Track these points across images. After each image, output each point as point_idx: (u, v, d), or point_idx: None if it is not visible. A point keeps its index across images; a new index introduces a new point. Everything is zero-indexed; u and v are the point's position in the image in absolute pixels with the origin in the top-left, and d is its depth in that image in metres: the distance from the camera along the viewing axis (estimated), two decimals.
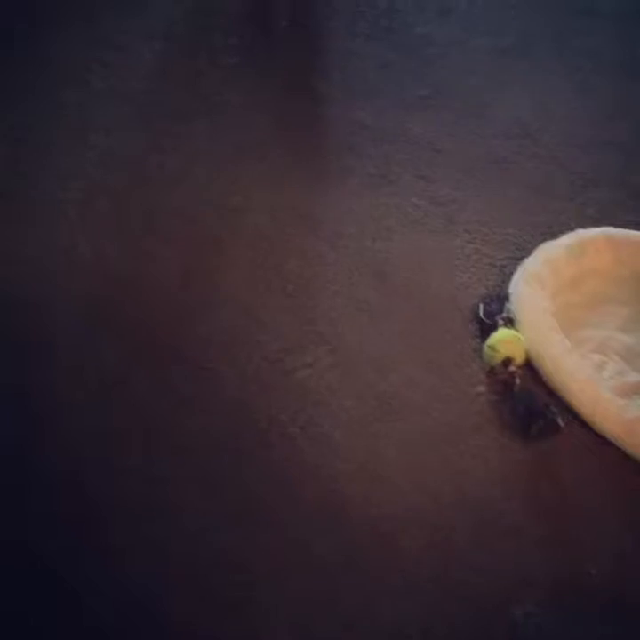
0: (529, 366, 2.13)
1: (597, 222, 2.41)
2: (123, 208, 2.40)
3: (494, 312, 2.21)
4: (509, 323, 2.18)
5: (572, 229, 2.40)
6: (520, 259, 2.35)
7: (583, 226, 2.41)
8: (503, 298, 2.24)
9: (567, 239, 2.34)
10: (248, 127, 2.60)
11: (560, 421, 2.03)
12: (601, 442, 2.02)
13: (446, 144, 2.61)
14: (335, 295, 2.24)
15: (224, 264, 2.30)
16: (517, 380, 2.10)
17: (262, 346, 2.13)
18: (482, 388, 2.11)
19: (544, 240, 2.38)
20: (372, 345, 2.16)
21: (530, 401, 2.06)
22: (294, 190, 2.46)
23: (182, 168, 2.48)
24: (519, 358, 2.12)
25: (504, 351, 2.12)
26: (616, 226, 2.38)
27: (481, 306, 2.24)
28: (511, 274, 2.31)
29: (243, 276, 2.27)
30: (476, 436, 2.04)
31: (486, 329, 2.19)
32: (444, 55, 2.86)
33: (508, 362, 2.11)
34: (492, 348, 2.13)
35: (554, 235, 2.39)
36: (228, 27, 2.88)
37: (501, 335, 2.14)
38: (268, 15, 2.94)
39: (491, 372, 2.13)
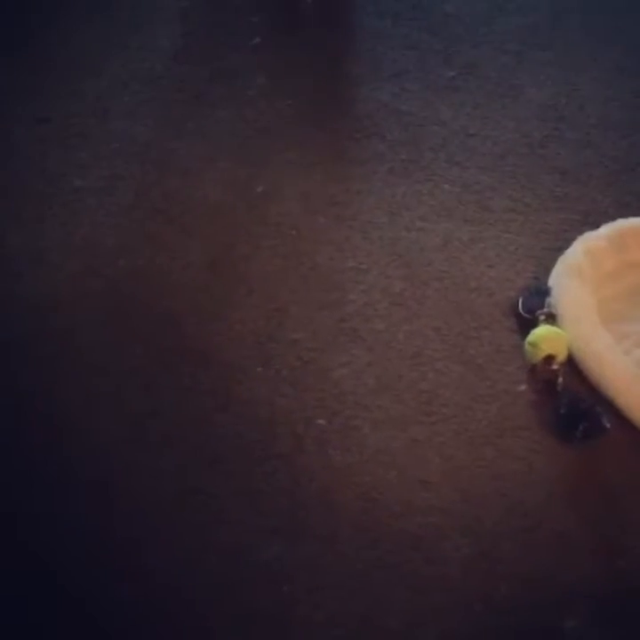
0: (572, 363, 2.05)
1: (637, 211, 2.32)
2: (145, 198, 2.32)
3: (534, 307, 2.13)
4: (550, 318, 2.10)
5: (611, 218, 2.32)
6: (559, 249, 2.27)
7: (622, 215, 2.33)
8: (543, 291, 2.15)
9: (606, 230, 2.25)
10: (273, 111, 2.51)
11: (606, 422, 1.95)
12: None
13: (478, 127, 2.52)
14: (370, 289, 2.16)
15: (252, 255, 2.22)
16: (560, 379, 2.02)
17: (296, 344, 2.06)
18: (523, 387, 2.04)
19: (582, 230, 2.29)
20: (409, 342, 2.09)
21: (574, 401, 1.98)
22: (323, 177, 2.38)
23: (206, 155, 2.40)
24: (562, 355, 2.04)
25: (546, 348, 2.03)
26: None
27: (520, 300, 2.15)
28: (550, 265, 2.23)
29: (272, 269, 2.19)
30: (518, 438, 1.96)
31: (526, 324, 2.12)
32: (473, 34, 2.76)
33: (550, 359, 2.03)
34: (534, 344, 2.05)
35: (592, 224, 2.30)
36: (250, 5, 2.78)
37: (543, 331, 2.06)
38: None
39: (532, 369, 2.05)
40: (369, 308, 2.13)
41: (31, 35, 2.64)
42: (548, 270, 2.22)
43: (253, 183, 2.34)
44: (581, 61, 2.71)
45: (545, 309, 2.11)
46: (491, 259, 2.26)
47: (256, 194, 2.32)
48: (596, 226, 2.30)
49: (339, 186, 2.36)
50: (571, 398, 1.99)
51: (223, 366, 2.00)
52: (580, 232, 2.29)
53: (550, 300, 2.13)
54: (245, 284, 2.16)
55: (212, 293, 2.15)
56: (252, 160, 2.39)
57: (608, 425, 1.95)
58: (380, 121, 2.51)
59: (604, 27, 2.81)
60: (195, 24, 2.73)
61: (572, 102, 2.61)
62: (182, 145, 2.41)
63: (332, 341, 2.06)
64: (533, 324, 2.10)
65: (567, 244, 2.27)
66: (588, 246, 2.20)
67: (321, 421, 1.92)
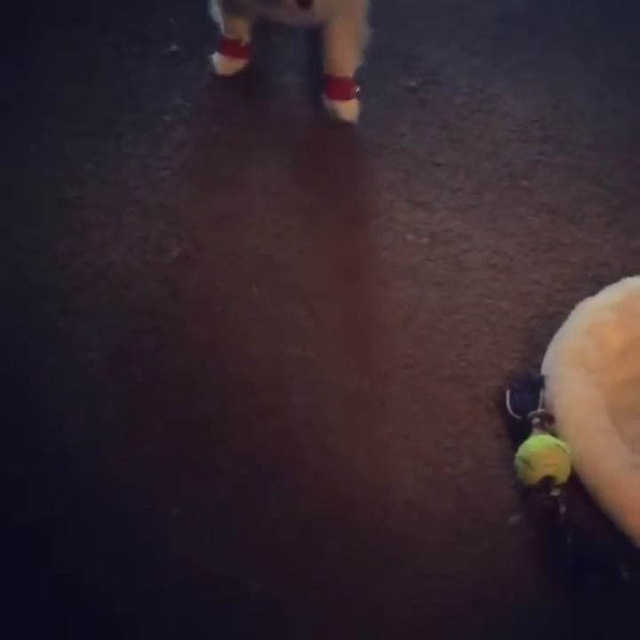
0: (577, 484, 1.61)
1: None
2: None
3: (525, 404, 1.68)
4: (546, 421, 1.66)
5: (614, 272, 1.87)
6: (552, 317, 1.82)
7: (629, 267, 1.89)
8: (536, 383, 1.71)
9: (612, 294, 1.80)
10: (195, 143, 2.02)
11: (624, 572, 1.51)
12: None
13: (447, 154, 2.05)
14: (316, 387, 1.70)
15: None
16: (562, 508, 1.58)
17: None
18: (515, 518, 1.60)
19: (580, 288, 1.85)
20: (368, 460, 1.64)
21: (581, 541, 1.54)
22: (254, 230, 1.91)
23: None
24: (563, 476, 1.59)
25: (543, 468, 1.59)
26: None
27: (508, 394, 1.71)
28: (541, 341, 1.78)
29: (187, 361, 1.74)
30: (511, 590, 1.53)
31: (516, 426, 1.67)
32: (438, 30, 2.27)
33: (548, 482, 1.58)
34: (528, 463, 1.60)
35: (592, 280, 1.87)
36: None
37: (538, 444, 1.61)
38: None
39: (526, 494, 1.61)
40: (316, 413, 1.68)
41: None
42: (538, 348, 1.78)
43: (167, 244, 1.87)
44: (569, 62, 2.24)
45: (539, 410, 1.67)
46: (468, 335, 1.80)
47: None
48: (597, 283, 1.86)
49: (275, 243, 1.89)
50: (576, 537, 1.54)
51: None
52: (577, 293, 1.85)
53: (544, 394, 1.69)
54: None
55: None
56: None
57: (627, 577, 1.51)
58: (321, 149, 2.03)
59: (595, 17, 2.33)
60: None
61: (559, 116, 2.14)
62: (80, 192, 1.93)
63: (267, 466, 1.61)
64: (525, 427, 1.66)
65: (562, 309, 1.83)
66: (590, 322, 1.75)
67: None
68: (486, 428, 1.70)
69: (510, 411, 1.69)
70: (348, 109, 2.06)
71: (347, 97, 2.06)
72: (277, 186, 1.97)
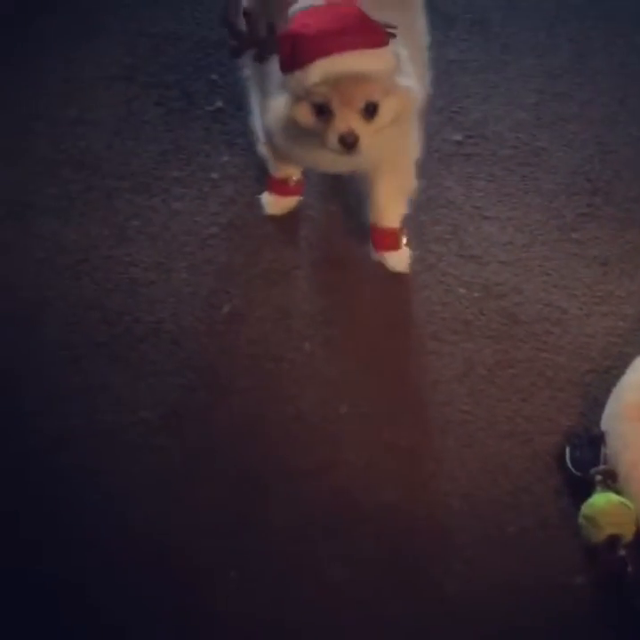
0: None
1: None
2: None
3: (586, 461, 1.65)
4: (610, 478, 1.62)
5: None
6: (607, 370, 1.79)
7: None
8: (596, 439, 1.67)
9: None
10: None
11: None
12: None
13: (496, 208, 2.03)
14: (367, 445, 1.68)
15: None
16: (630, 568, 1.54)
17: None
18: (580, 579, 1.56)
19: (636, 342, 1.82)
20: (428, 519, 1.61)
21: None
22: (304, 285, 1.89)
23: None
24: (629, 535, 1.56)
25: (608, 527, 1.55)
26: None
27: (568, 450, 1.68)
28: (599, 396, 1.75)
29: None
30: None
31: (577, 484, 1.64)
32: (482, 84, 2.26)
33: (614, 541, 1.55)
34: (591, 521, 1.57)
35: None
36: None
37: (601, 502, 1.58)
38: None
39: (591, 553, 1.57)
40: (371, 471, 1.65)
41: None
42: (596, 403, 1.75)
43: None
44: (613, 115, 2.22)
45: (601, 467, 1.63)
46: (524, 389, 1.77)
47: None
48: None
49: (325, 299, 1.87)
50: None
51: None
52: (633, 346, 1.81)
53: (605, 450, 1.66)
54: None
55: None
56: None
57: None
58: None
59: (637, 68, 2.32)
60: None
61: (606, 168, 2.12)
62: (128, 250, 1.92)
63: (325, 525, 1.58)
64: (586, 484, 1.63)
65: (617, 363, 1.80)
66: None
67: None
68: (546, 485, 1.66)
69: (571, 468, 1.66)
70: (399, 260, 1.91)
71: (394, 247, 1.91)
72: (326, 242, 1.96)
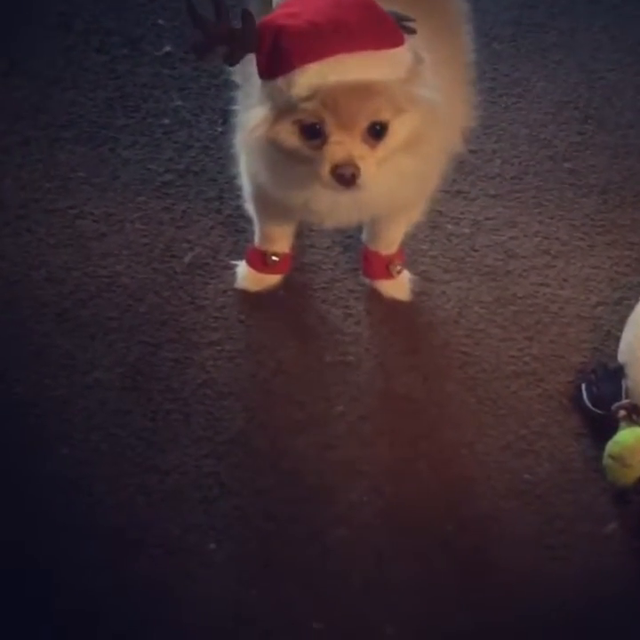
0: None
1: None
2: None
3: (606, 396, 1.46)
4: (635, 412, 1.43)
5: None
6: (618, 302, 1.62)
7: None
8: (615, 372, 1.48)
9: None
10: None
11: None
12: None
13: (479, 140, 1.81)
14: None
15: None
16: None
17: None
18: (611, 528, 1.36)
19: None
20: (430, 471, 1.41)
21: None
22: None
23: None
24: None
25: (638, 466, 1.36)
26: None
27: (583, 387, 1.49)
28: (611, 329, 1.57)
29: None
30: (612, 609, 1.30)
31: (598, 423, 1.45)
32: None
33: None
34: (619, 460, 1.38)
35: None
36: None
37: (629, 439, 1.39)
38: None
39: (621, 497, 1.38)
40: (363, 424, 1.45)
41: None
42: (610, 336, 1.57)
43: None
44: (595, 42, 2.04)
45: (623, 401, 1.44)
46: (529, 327, 1.59)
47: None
48: None
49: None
50: None
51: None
52: None
53: (627, 382, 1.46)
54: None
55: None
56: None
57: None
58: None
59: None
60: None
61: (595, 96, 1.94)
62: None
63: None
64: (608, 422, 1.44)
65: (627, 294, 1.62)
66: None
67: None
68: (562, 427, 1.47)
69: (589, 406, 1.47)
70: (397, 288, 1.58)
71: (389, 276, 1.57)
72: None
